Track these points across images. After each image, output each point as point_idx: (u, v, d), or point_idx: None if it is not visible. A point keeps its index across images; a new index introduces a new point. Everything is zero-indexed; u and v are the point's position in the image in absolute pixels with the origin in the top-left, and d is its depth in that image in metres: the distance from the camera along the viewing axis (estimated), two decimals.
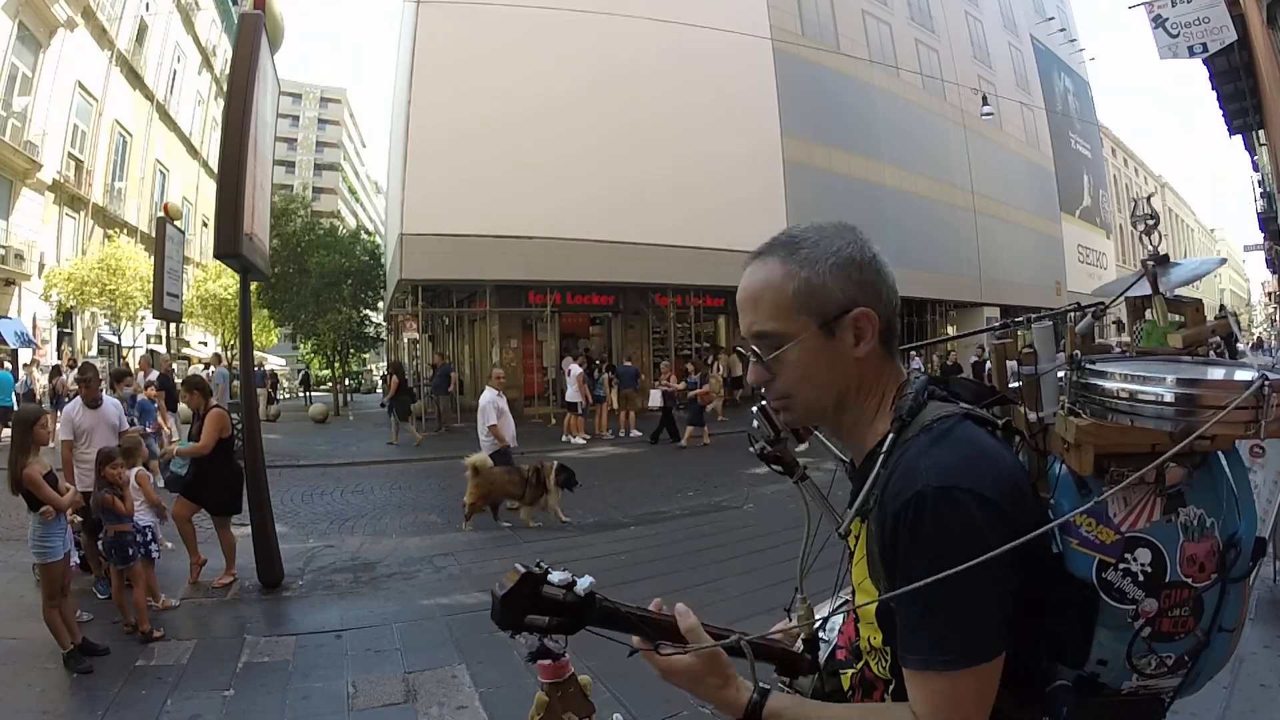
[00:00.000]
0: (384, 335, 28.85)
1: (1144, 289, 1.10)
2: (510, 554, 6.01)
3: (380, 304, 24.99)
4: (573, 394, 13.72)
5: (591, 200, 16.12)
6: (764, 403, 1.04)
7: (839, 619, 1.08)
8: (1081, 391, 0.95)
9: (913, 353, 16.45)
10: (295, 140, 58.56)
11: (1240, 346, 1.05)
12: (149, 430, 8.71)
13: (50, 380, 14.49)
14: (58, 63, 18.50)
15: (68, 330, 20.21)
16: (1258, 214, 20.19)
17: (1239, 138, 17.19)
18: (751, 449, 1.11)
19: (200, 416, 5.43)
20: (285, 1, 5.73)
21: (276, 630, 4.38)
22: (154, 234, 12.50)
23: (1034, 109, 30.60)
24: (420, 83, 15.93)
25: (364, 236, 28.54)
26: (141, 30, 23.68)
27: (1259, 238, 22.36)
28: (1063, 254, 30.96)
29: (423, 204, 15.60)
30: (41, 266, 18.39)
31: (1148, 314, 1.12)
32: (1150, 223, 1.15)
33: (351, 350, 26.24)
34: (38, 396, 14.53)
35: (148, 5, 23.07)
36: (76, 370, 5.66)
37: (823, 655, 1.10)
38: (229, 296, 20.38)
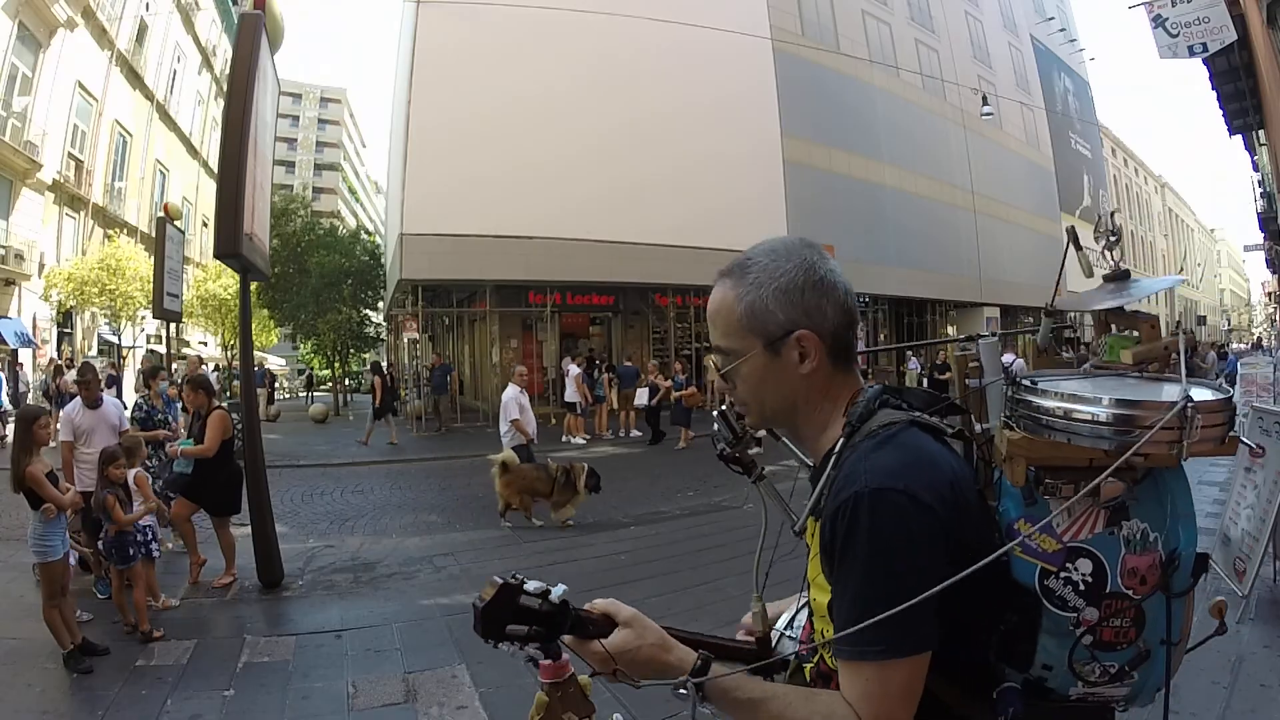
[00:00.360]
0: (384, 335, 28.85)
1: (1108, 303, 1.12)
2: (511, 554, 6.01)
3: (380, 304, 25.00)
4: (571, 394, 13.73)
5: (591, 200, 16.12)
6: (723, 408, 1.12)
7: (803, 617, 1.10)
8: (1016, 407, 0.99)
9: (909, 352, 16.46)
10: (295, 140, 58.54)
11: (1200, 362, 1.07)
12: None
13: (54, 379, 14.47)
14: (58, 63, 18.49)
15: (68, 330, 20.21)
16: (1258, 214, 20.19)
17: (1239, 138, 17.18)
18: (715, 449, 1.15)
19: (202, 416, 5.43)
20: (285, 1, 5.73)
21: (276, 630, 4.38)
22: (154, 234, 12.49)
23: (1034, 109, 30.60)
24: (420, 83, 15.93)
25: (364, 236, 28.56)
26: (141, 30, 23.67)
27: (1259, 238, 22.38)
28: (1062, 253, 30.91)
29: (423, 204, 15.60)
30: (41, 266, 18.38)
31: (1112, 329, 1.14)
32: (1112, 239, 1.18)
33: (351, 350, 26.25)
34: (30, 397, 14.49)
35: (148, 5, 23.06)
36: (76, 371, 5.64)
37: (789, 651, 1.13)
38: (229, 296, 20.38)
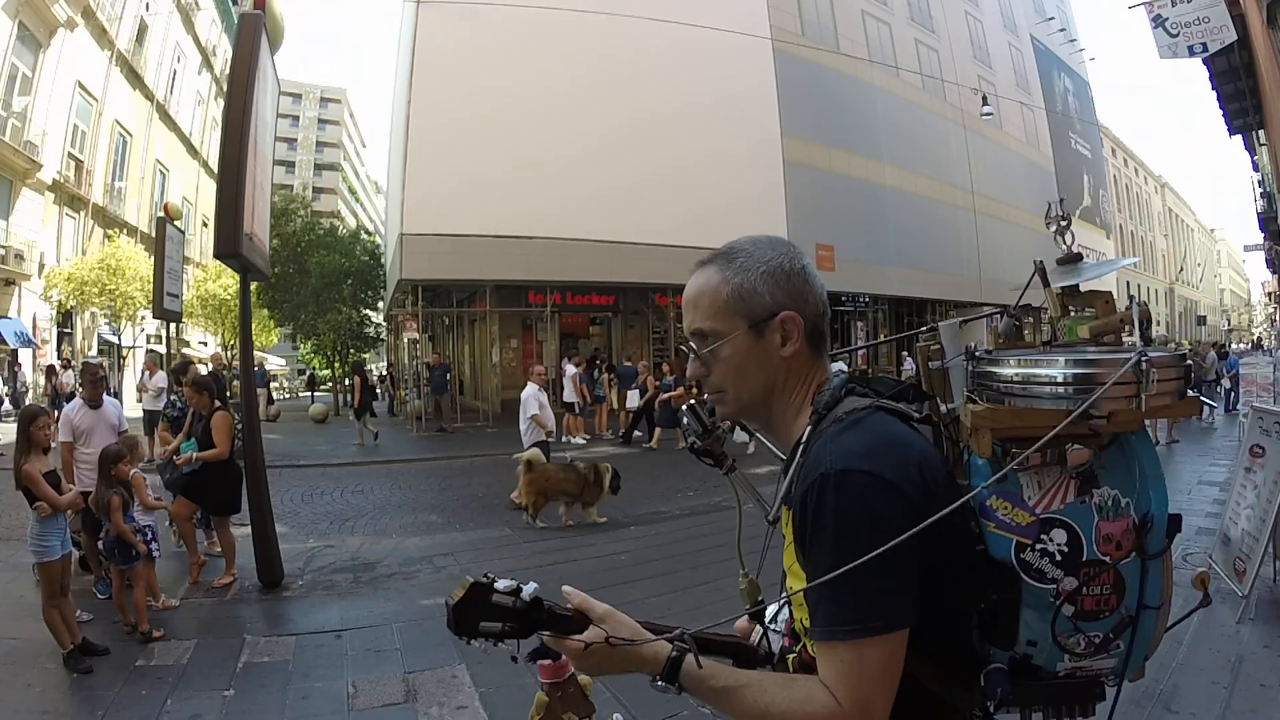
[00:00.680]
0: (384, 335, 28.86)
1: (1061, 280, 1.19)
2: (511, 554, 6.01)
3: (380, 304, 25.00)
4: (569, 394, 13.74)
5: (591, 200, 16.12)
6: (693, 401, 1.13)
7: (786, 611, 1.10)
8: (978, 380, 1.02)
9: (905, 353, 16.30)
10: (295, 140, 58.53)
11: (1200, 362, 1.12)
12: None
13: (48, 379, 14.47)
14: (58, 63, 18.50)
15: (68, 330, 20.22)
16: (1258, 214, 20.19)
17: (1239, 138, 17.18)
18: (683, 444, 1.17)
19: (204, 418, 5.43)
20: (285, 1, 5.73)
21: (276, 630, 4.38)
22: (154, 234, 12.50)
23: (1034, 109, 30.59)
24: (420, 83, 15.92)
25: (364, 236, 28.57)
26: (141, 30, 23.68)
27: (1259, 238, 22.36)
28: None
29: (423, 204, 15.60)
30: (41, 266, 18.39)
31: (1071, 312, 1.19)
32: (1063, 224, 1.23)
33: (351, 350, 26.25)
34: (30, 397, 14.47)
35: (148, 5, 23.07)
36: (83, 369, 5.63)
37: (776, 645, 1.14)
38: (229, 296, 20.38)
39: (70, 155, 19.79)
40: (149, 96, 24.36)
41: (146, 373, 11.34)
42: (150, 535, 4.49)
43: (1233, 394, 14.19)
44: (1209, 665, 3.50)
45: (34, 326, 17.98)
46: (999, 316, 1.25)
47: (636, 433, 14.10)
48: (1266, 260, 25.82)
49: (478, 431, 15.56)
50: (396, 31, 20.60)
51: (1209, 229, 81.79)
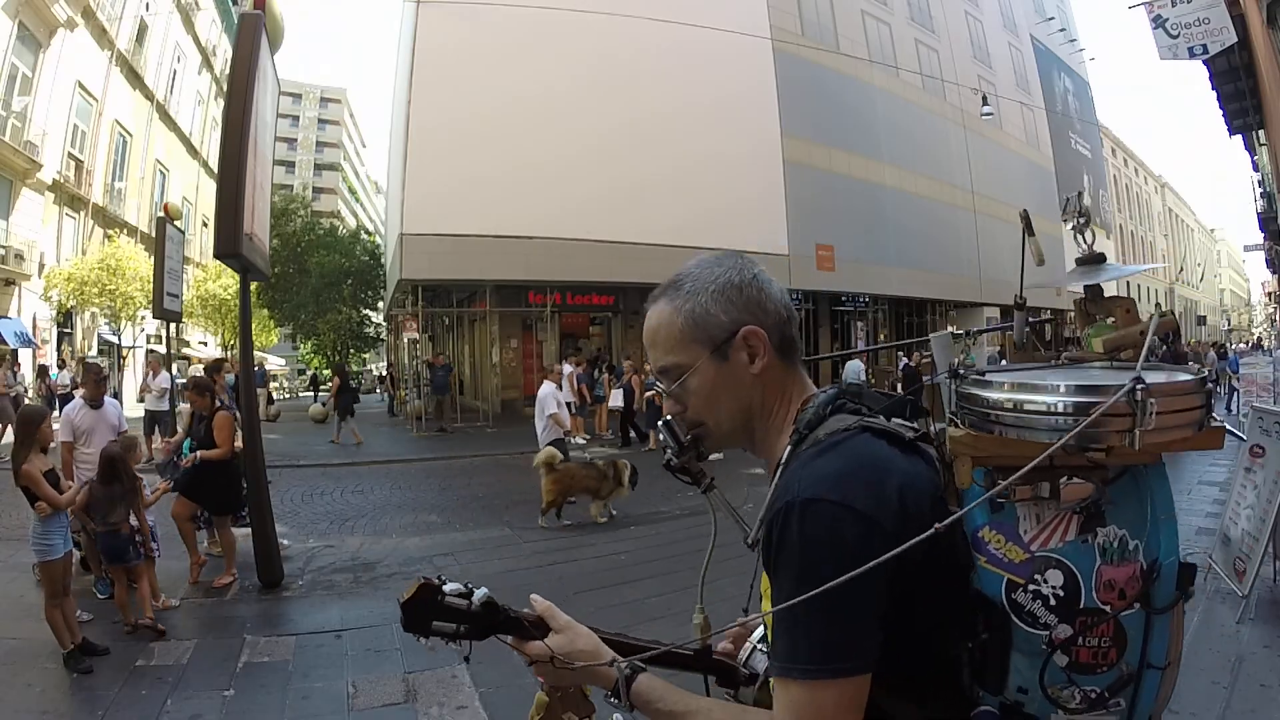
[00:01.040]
0: (384, 335, 28.87)
1: (1079, 281, 1.06)
2: (511, 554, 6.01)
3: (380, 304, 25.03)
4: (567, 394, 13.72)
5: (591, 200, 16.12)
6: (668, 417, 1.06)
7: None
8: (962, 402, 0.92)
9: (899, 352, 16.14)
10: (295, 140, 58.53)
11: (1183, 348, 0.98)
12: None
13: (40, 380, 14.42)
14: (58, 63, 18.49)
15: (68, 330, 20.21)
16: (1258, 214, 20.18)
17: (1239, 138, 17.18)
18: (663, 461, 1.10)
19: (204, 418, 5.43)
20: (285, 1, 5.73)
21: (276, 630, 4.38)
22: (154, 234, 12.49)
23: (1034, 109, 30.59)
24: (420, 83, 15.93)
25: (364, 236, 28.61)
26: (141, 30, 23.68)
27: (1259, 238, 22.35)
28: (1063, 254, 30.88)
29: (423, 204, 15.60)
30: (41, 266, 18.39)
31: (1096, 320, 1.08)
32: (1081, 220, 1.10)
33: (351, 350, 26.26)
34: (28, 397, 14.44)
35: (148, 5, 23.07)
36: (85, 369, 5.63)
37: (760, 666, 1.10)
38: (229, 296, 20.39)
39: (70, 155, 19.79)
40: (149, 96, 24.36)
41: (150, 374, 11.31)
42: (150, 535, 4.50)
43: (1234, 395, 14.20)
44: (1209, 665, 3.50)
45: (34, 326, 17.98)
46: (1025, 323, 1.13)
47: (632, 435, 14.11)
48: (1266, 260, 25.81)
49: (478, 431, 15.56)
50: (396, 31, 20.62)
51: (1209, 229, 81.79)
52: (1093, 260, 1.07)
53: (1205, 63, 12.46)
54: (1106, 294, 1.08)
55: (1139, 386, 0.77)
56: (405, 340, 19.62)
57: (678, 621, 1.16)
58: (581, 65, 16.45)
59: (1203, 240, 75.27)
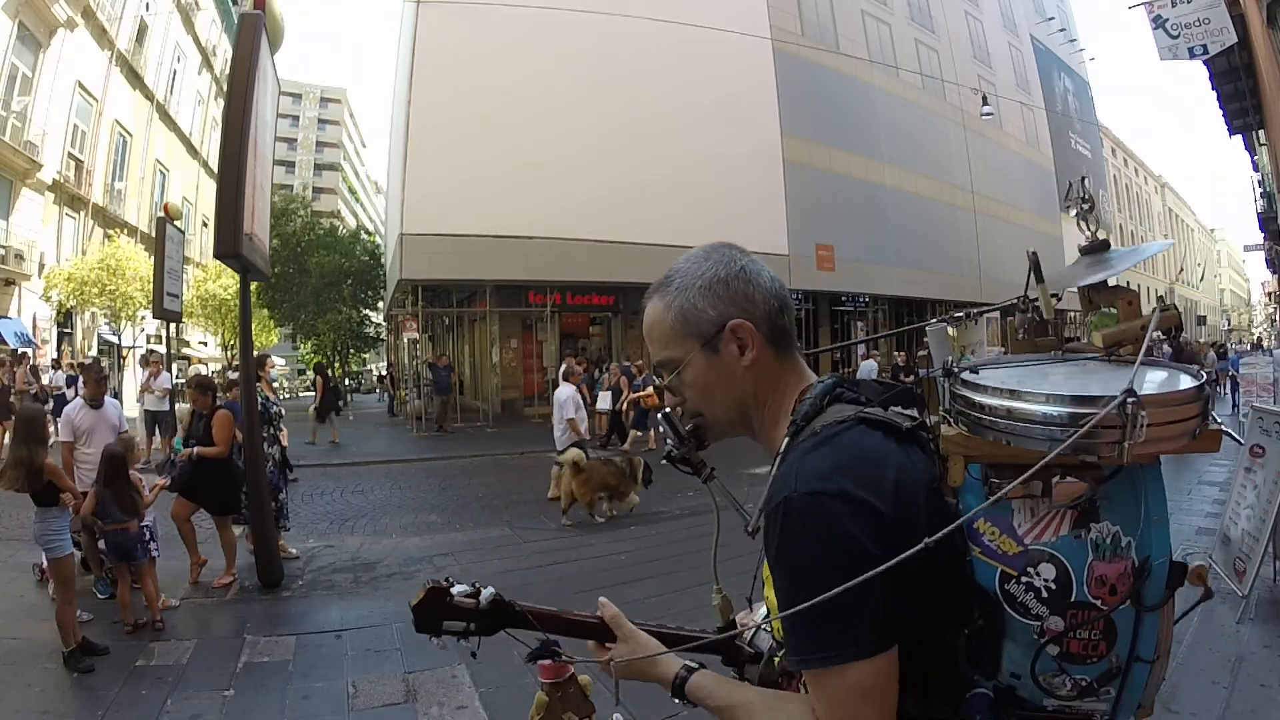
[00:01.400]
0: (384, 335, 28.87)
1: (1089, 279, 1.01)
2: (511, 554, 6.01)
3: (380, 304, 25.03)
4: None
5: (591, 200, 16.12)
6: (668, 410, 1.09)
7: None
8: (955, 402, 0.91)
9: (897, 351, 15.97)
10: (295, 140, 58.53)
11: (1180, 344, 0.93)
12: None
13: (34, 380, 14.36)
14: (58, 63, 18.49)
15: (68, 330, 20.21)
16: (1258, 214, 20.19)
17: (1239, 138, 17.18)
18: (653, 445, 1.16)
19: (205, 417, 5.44)
20: (285, 1, 5.73)
21: (276, 630, 4.38)
22: (154, 234, 12.49)
23: (1034, 109, 30.59)
24: (420, 83, 15.93)
25: (364, 236, 28.61)
26: (141, 30, 23.67)
27: (1259, 238, 22.36)
28: (1063, 254, 30.91)
29: (423, 204, 15.60)
30: (41, 266, 18.38)
31: (1100, 307, 1.05)
32: (1085, 207, 1.06)
33: (351, 350, 26.26)
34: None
35: (148, 5, 23.07)
36: (86, 369, 5.63)
37: (764, 645, 1.15)
38: (229, 296, 20.39)
39: (70, 155, 19.78)
40: (149, 96, 24.35)
41: (151, 374, 11.31)
42: (149, 535, 4.50)
43: (1234, 396, 14.20)
44: (1209, 665, 3.50)
45: (34, 327, 17.97)
46: (1017, 311, 1.11)
47: (636, 432, 14.08)
48: (1266, 260, 25.82)
49: (478, 431, 15.57)
50: (396, 31, 20.62)
51: (1209, 229, 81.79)
52: (1096, 249, 1.03)
53: (1205, 63, 12.47)
54: (1110, 283, 1.05)
55: (1130, 400, 0.75)
56: (405, 340, 19.63)
57: (678, 621, 1.18)
58: (581, 65, 16.45)
59: (1203, 240, 75.27)
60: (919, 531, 0.78)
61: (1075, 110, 35.27)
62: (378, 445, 14.09)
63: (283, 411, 6.29)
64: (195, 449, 5.29)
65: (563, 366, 9.76)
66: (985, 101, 22.27)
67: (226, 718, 3.29)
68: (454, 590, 1.02)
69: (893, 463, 0.86)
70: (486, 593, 1.03)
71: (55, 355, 18.16)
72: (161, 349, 13.49)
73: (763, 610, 1.17)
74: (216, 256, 5.54)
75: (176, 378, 12.13)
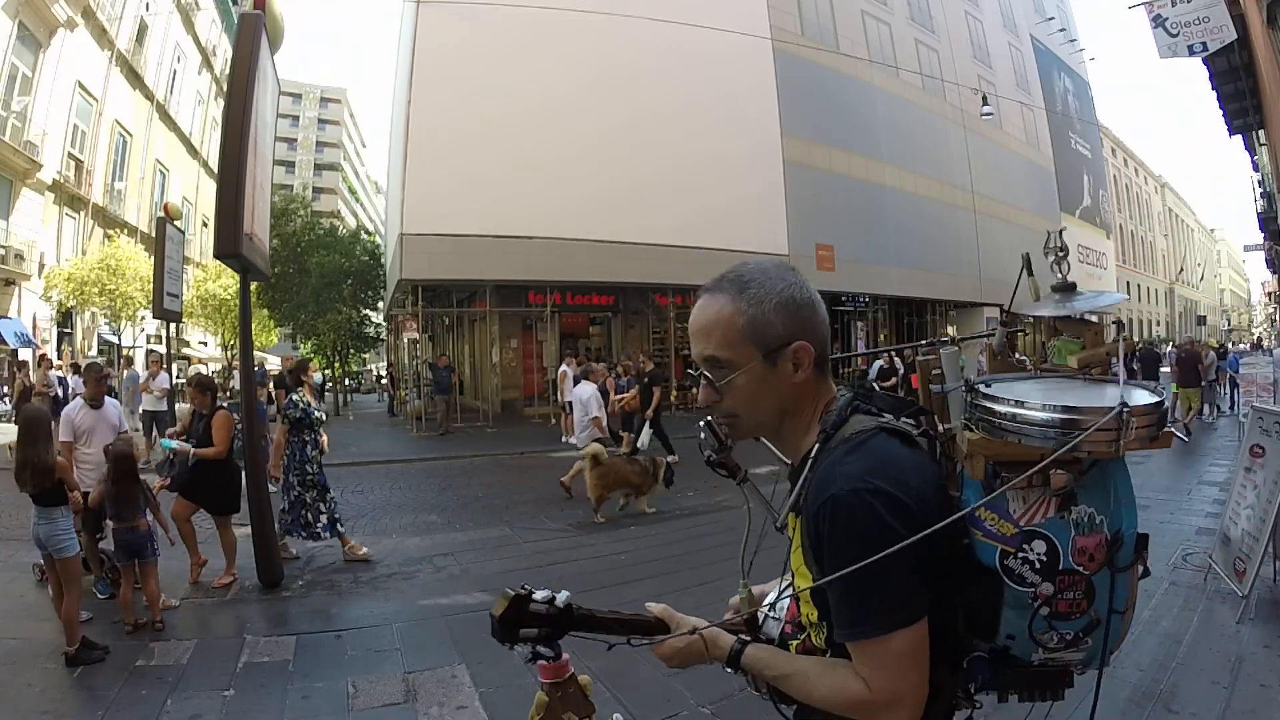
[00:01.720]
0: (384, 335, 28.87)
1: (1054, 310, 1.26)
2: (511, 554, 6.01)
3: (380, 304, 25.02)
4: (567, 394, 13.71)
5: (591, 200, 16.12)
6: (710, 418, 1.19)
7: (785, 601, 1.23)
8: (975, 410, 1.11)
9: (896, 357, 16.05)
10: (295, 140, 58.54)
11: (1135, 366, 1.19)
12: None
13: (13, 379, 14.36)
14: (58, 63, 18.50)
15: (68, 330, 20.21)
16: (1258, 214, 20.18)
17: (1239, 138, 17.17)
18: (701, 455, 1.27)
19: (205, 417, 5.43)
20: (285, 1, 5.73)
21: (276, 630, 4.38)
22: (154, 234, 12.50)
23: (1034, 109, 30.59)
24: (420, 83, 15.92)
25: (364, 236, 28.58)
26: (141, 30, 23.68)
27: (1259, 238, 22.36)
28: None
29: (423, 204, 15.60)
30: (41, 266, 18.39)
31: (1062, 334, 1.29)
32: (1060, 254, 1.31)
33: (351, 350, 26.25)
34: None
35: (148, 5, 23.07)
36: (86, 369, 5.64)
37: (774, 631, 1.24)
38: (229, 296, 20.39)
39: (70, 155, 19.79)
40: (149, 96, 24.36)
41: (150, 374, 11.31)
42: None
43: (1233, 394, 14.19)
44: (1209, 665, 3.50)
45: (34, 327, 17.98)
46: (992, 333, 1.34)
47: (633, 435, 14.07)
48: (1266, 260, 25.82)
49: (477, 431, 15.57)
50: (396, 31, 20.62)
51: (1209, 229, 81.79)
52: (1066, 289, 1.28)
53: (1205, 62, 12.47)
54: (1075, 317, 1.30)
55: (1125, 409, 0.97)
56: (405, 340, 19.62)
57: None
58: (581, 65, 16.44)
59: (1203, 240, 75.26)
60: (934, 521, 0.96)
61: (1075, 110, 35.28)
62: (378, 445, 14.08)
63: (324, 417, 6.30)
64: (193, 451, 5.28)
65: (581, 367, 9.82)
66: (985, 101, 22.27)
67: (226, 718, 3.29)
68: (535, 596, 1.07)
69: (911, 465, 1.03)
70: (562, 596, 1.08)
71: (57, 354, 18.18)
72: (161, 349, 13.50)
73: (770, 597, 1.30)
74: (216, 256, 5.53)
75: (177, 378, 12.11)
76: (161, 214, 10.46)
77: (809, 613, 1.10)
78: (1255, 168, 19.17)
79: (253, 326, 6.26)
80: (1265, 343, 39.43)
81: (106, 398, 5.33)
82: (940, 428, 1.19)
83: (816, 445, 1.06)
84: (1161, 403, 1.06)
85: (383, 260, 23.96)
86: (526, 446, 12.75)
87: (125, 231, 21.85)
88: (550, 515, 7.29)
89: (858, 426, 1.05)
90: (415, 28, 16.17)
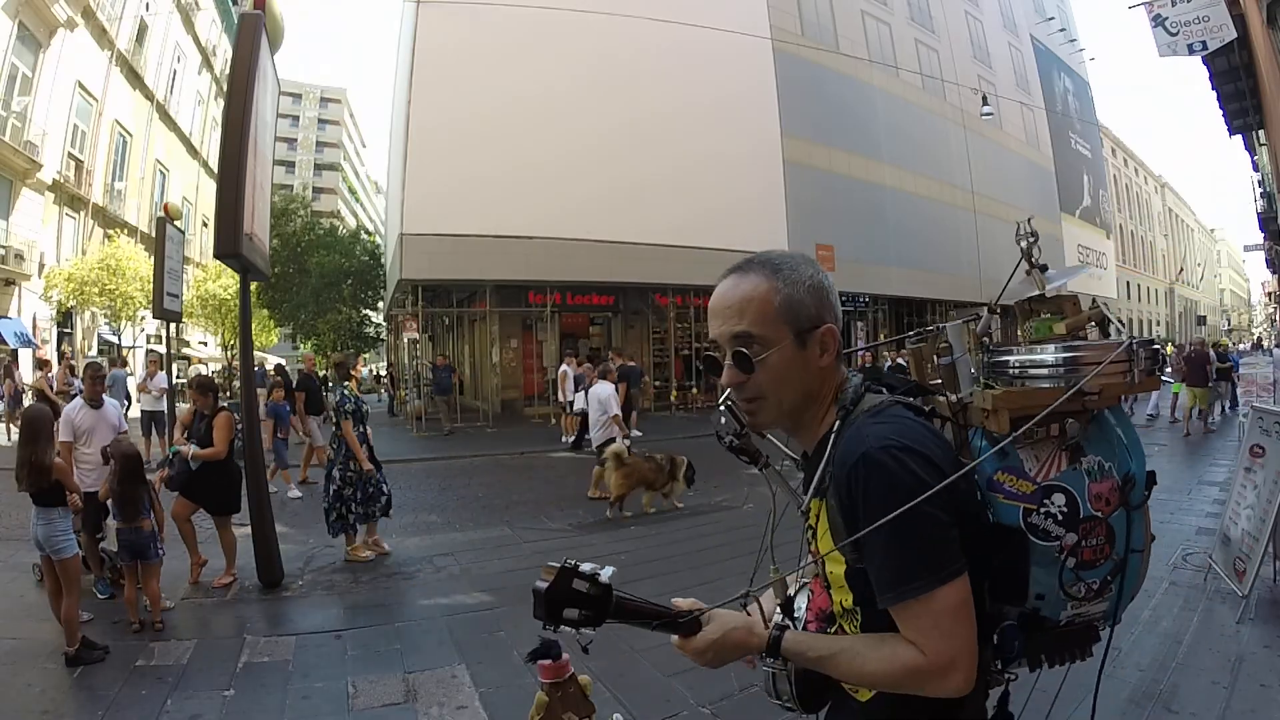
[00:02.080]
0: (384, 335, 28.88)
1: (1026, 292, 1.37)
2: (511, 554, 6.01)
3: (380, 304, 25.03)
4: (568, 393, 13.71)
5: (591, 200, 16.12)
6: (729, 400, 1.18)
7: (804, 599, 1.22)
8: (993, 369, 1.21)
9: (890, 352, 15.94)
10: (295, 140, 58.54)
11: (1112, 330, 1.30)
12: (280, 435, 8.77)
13: (5, 378, 14.34)
14: (58, 63, 18.49)
15: (67, 330, 20.20)
16: (1258, 214, 20.17)
17: (1239, 138, 17.17)
18: (721, 441, 1.23)
19: (206, 417, 5.43)
20: (285, 1, 5.73)
21: (276, 630, 4.38)
22: (154, 234, 12.48)
23: (1034, 109, 30.59)
24: (420, 83, 15.92)
25: (364, 236, 28.61)
26: (141, 30, 23.68)
27: (1259, 238, 22.35)
28: (1063, 254, 30.96)
29: (423, 204, 15.59)
30: (41, 266, 18.38)
31: (1040, 315, 1.37)
32: (1031, 240, 1.40)
33: (351, 350, 26.25)
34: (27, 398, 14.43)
35: (148, 5, 23.07)
36: (85, 368, 5.64)
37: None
38: (229, 296, 20.39)
39: (70, 155, 19.79)
40: (149, 96, 24.35)
41: (148, 374, 11.30)
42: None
43: (1233, 394, 14.17)
44: (1209, 665, 3.50)
45: (34, 327, 17.97)
46: (976, 317, 1.43)
47: (636, 432, 14.08)
48: (1266, 260, 25.81)
49: (478, 431, 15.56)
50: (396, 31, 20.62)
51: (1209, 229, 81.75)
52: (1040, 269, 1.38)
53: (1205, 62, 12.47)
54: (1051, 294, 1.39)
55: (1134, 341, 1.09)
56: (405, 340, 19.62)
57: None
58: (581, 65, 16.44)
59: (1203, 240, 75.24)
60: (959, 485, 0.99)
61: (1075, 110, 35.28)
62: (377, 445, 13.96)
63: (369, 410, 6.40)
64: (193, 452, 5.28)
65: (598, 367, 9.83)
66: (985, 101, 22.26)
67: (226, 718, 3.29)
68: (582, 569, 1.00)
69: (930, 432, 1.08)
70: (606, 572, 1.02)
71: (57, 355, 18.17)
72: (161, 349, 13.50)
73: (801, 597, 1.26)
74: (216, 256, 5.53)
75: (176, 378, 12.11)
76: (161, 214, 10.44)
77: (842, 599, 1.09)
78: (1255, 168, 19.17)
79: (253, 326, 6.26)
80: (1265, 343, 39.42)
81: (106, 398, 5.32)
82: (953, 398, 1.25)
83: (836, 423, 1.08)
84: (1153, 341, 1.16)
85: (383, 260, 23.99)
86: (526, 446, 12.74)
87: (125, 231, 21.84)
88: (550, 515, 7.29)
89: (871, 403, 1.08)
90: (415, 28, 16.16)
